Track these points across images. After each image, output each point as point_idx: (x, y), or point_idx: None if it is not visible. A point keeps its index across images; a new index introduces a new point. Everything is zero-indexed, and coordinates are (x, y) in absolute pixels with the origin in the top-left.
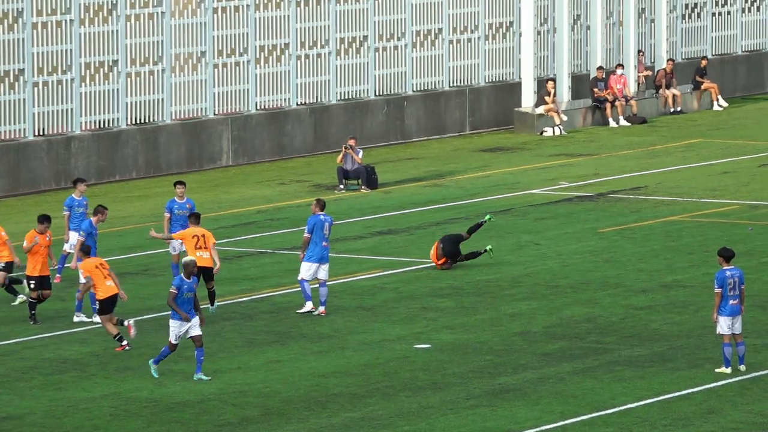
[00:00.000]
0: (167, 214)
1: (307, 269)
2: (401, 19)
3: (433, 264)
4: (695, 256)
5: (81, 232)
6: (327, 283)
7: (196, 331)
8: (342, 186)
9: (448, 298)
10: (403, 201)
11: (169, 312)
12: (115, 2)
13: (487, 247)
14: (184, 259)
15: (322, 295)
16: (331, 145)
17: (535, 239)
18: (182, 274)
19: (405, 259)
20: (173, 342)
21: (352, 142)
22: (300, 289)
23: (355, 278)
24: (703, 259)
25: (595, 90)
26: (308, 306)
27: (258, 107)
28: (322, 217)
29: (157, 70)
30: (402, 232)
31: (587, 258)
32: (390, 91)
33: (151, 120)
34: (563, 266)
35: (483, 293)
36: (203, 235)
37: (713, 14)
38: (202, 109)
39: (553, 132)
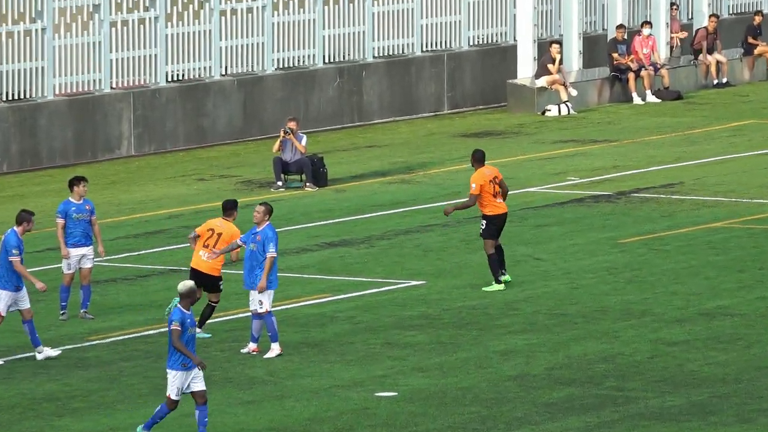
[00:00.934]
0: (61, 221)
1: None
2: None
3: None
4: (746, 275)
5: (13, 251)
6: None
7: (199, 385)
8: (280, 183)
9: (421, 330)
10: (361, 202)
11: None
12: None
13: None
14: (184, 285)
15: (254, 329)
16: (265, 128)
17: (535, 252)
18: (180, 305)
19: (364, 279)
20: (174, 398)
21: (292, 124)
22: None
23: (297, 304)
24: (756, 278)
25: (615, 55)
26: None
27: (169, 78)
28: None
29: (35, 30)
30: (360, 244)
31: (604, 278)
32: (344, 58)
33: (28, 96)
34: (572, 288)
35: (466, 324)
36: (220, 235)
37: None
38: (94, 81)
39: (559, 111)
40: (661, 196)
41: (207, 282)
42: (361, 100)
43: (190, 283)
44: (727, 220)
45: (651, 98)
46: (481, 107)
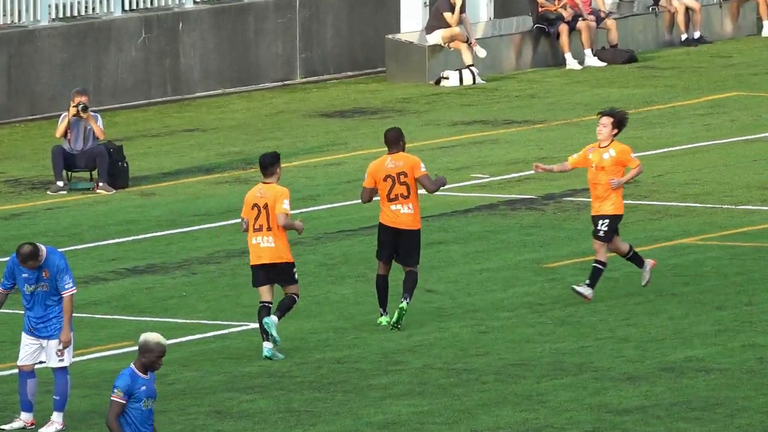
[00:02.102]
0: None
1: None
2: None
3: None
4: (728, 314)
5: None
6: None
7: None
8: (62, 183)
9: (263, 394)
10: (178, 210)
11: None
12: None
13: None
14: (144, 338)
15: (28, 392)
16: (38, 105)
17: (427, 281)
18: (134, 366)
19: (181, 321)
20: None
21: (82, 99)
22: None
23: (85, 356)
24: (742, 318)
25: (540, 1)
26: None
27: None
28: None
29: None
30: (175, 270)
31: (524, 317)
32: (151, 2)
33: None
34: (480, 333)
35: (328, 384)
36: (266, 207)
37: None
38: None
39: (460, 80)
40: (692, 204)
41: (277, 274)
42: (176, 64)
43: (154, 336)
44: (701, 235)
45: (592, 60)
46: (349, 74)
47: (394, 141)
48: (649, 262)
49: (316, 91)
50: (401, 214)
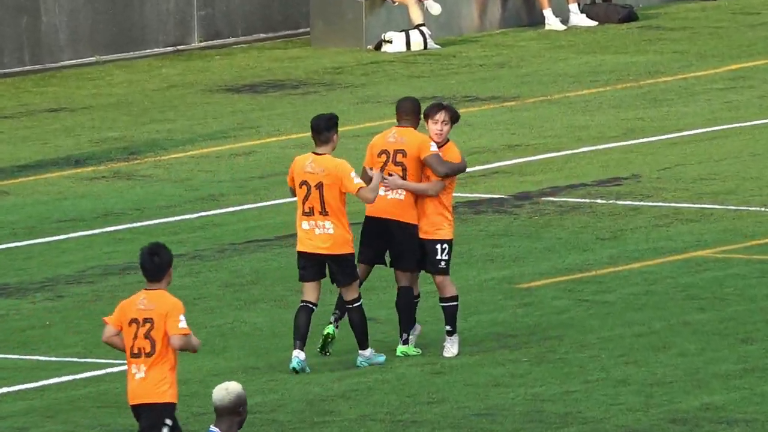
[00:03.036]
0: None
1: None
2: None
3: None
4: (756, 347)
5: None
6: None
7: None
8: None
9: None
10: (36, 215)
11: None
12: None
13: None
14: (236, 391)
15: None
16: None
17: (368, 305)
18: (215, 426)
19: (43, 359)
20: None
21: None
22: None
23: None
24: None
25: None
26: None
27: None
28: None
29: None
30: (35, 293)
31: (492, 353)
32: None
33: None
34: (434, 374)
35: None
36: (321, 185)
37: None
38: None
39: (407, 44)
40: (598, 201)
41: (331, 266)
42: (36, 24)
43: (237, 386)
44: (721, 246)
45: (579, 19)
46: (262, 37)
47: (408, 112)
48: (417, 328)
49: (219, 59)
50: (387, 199)
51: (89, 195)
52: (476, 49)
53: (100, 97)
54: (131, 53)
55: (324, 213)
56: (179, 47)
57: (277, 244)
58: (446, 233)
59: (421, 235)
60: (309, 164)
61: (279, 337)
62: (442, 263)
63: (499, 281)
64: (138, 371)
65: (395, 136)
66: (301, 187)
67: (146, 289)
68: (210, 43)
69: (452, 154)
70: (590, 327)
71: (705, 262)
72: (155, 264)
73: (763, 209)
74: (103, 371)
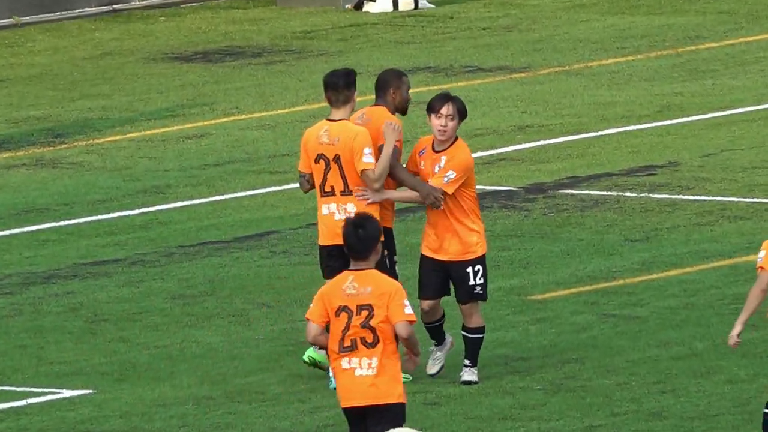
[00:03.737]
0: None
1: None
2: None
3: None
4: None
5: None
6: None
7: None
8: None
9: None
10: None
11: None
12: None
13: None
14: None
15: None
16: None
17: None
18: None
19: None
20: None
21: None
22: None
23: None
24: None
25: None
26: None
27: None
28: None
29: None
30: None
31: (498, 381)
32: None
33: None
34: (425, 406)
35: None
36: (336, 159)
37: None
38: None
39: (394, 2)
40: (627, 194)
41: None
42: None
43: None
44: None
45: None
46: None
47: (379, 86)
48: (449, 340)
49: (164, 21)
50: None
51: (6, 187)
52: (478, 9)
53: (19, 68)
54: (57, 14)
55: (346, 193)
56: (115, 6)
57: (236, 246)
58: (478, 249)
59: (442, 256)
60: (323, 133)
61: (238, 359)
62: (478, 288)
63: (507, 292)
64: (360, 367)
65: (363, 117)
66: (317, 163)
67: (351, 270)
68: (153, 1)
69: (459, 158)
70: (618, 348)
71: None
72: (360, 238)
73: None
74: (23, 402)
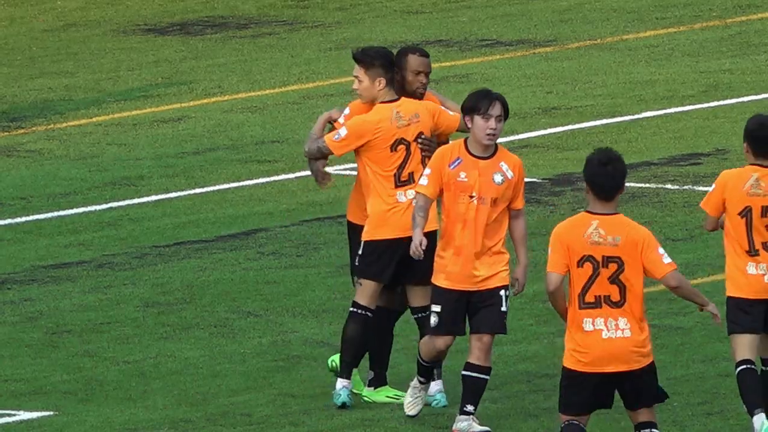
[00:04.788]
0: None
1: None
2: None
3: None
4: None
5: None
6: None
7: None
8: None
9: None
10: None
11: None
12: None
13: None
14: None
15: None
16: None
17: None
18: None
19: None
20: None
21: None
22: None
23: None
24: None
25: None
26: None
27: None
28: None
29: None
30: None
31: (519, 402)
32: None
33: None
34: (435, 430)
35: None
36: (411, 144)
37: None
38: None
39: None
40: (669, 186)
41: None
42: None
43: None
44: None
45: None
46: None
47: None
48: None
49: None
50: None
51: None
52: None
53: None
54: None
55: (413, 183)
56: None
57: (219, 247)
58: (507, 271)
59: (466, 285)
60: (396, 116)
61: (221, 377)
62: (505, 318)
63: (531, 299)
64: (609, 329)
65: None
66: (395, 151)
67: (593, 213)
68: None
69: (518, 163)
70: (658, 363)
71: None
72: (610, 175)
73: None
74: None
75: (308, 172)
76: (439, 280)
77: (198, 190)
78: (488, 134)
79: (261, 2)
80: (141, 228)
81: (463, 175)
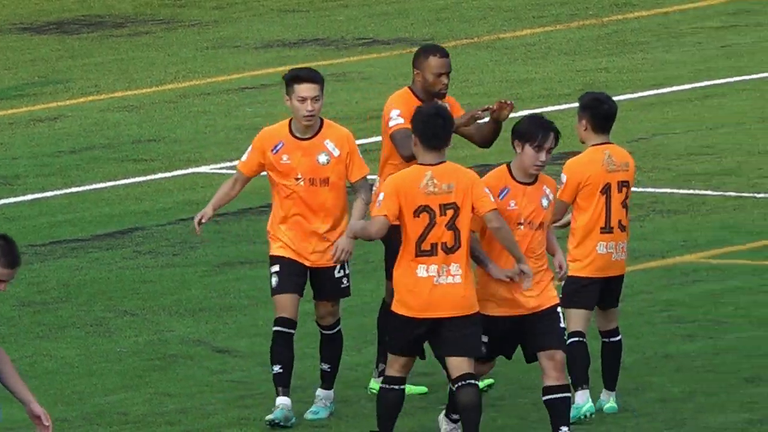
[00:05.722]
0: None
1: None
2: None
3: None
4: (765, 392)
5: None
6: None
7: None
8: None
9: None
10: None
11: None
12: None
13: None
14: None
15: None
16: None
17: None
18: None
19: None
20: None
21: None
22: None
23: None
24: None
25: None
26: None
27: None
28: None
29: None
30: None
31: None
32: None
33: None
34: None
35: None
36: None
37: None
38: None
39: None
40: (699, 191)
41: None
42: None
43: None
44: (716, 249)
45: None
46: None
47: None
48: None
49: None
50: None
51: None
52: None
53: None
54: None
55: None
56: None
57: (95, 246)
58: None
59: (519, 310)
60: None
61: (97, 376)
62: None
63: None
64: (440, 275)
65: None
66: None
67: (425, 164)
68: None
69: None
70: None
71: (694, 270)
72: (439, 126)
73: None
74: None
75: (186, 171)
76: (488, 308)
77: (74, 189)
78: (537, 166)
79: (137, 1)
80: (17, 227)
81: (512, 203)
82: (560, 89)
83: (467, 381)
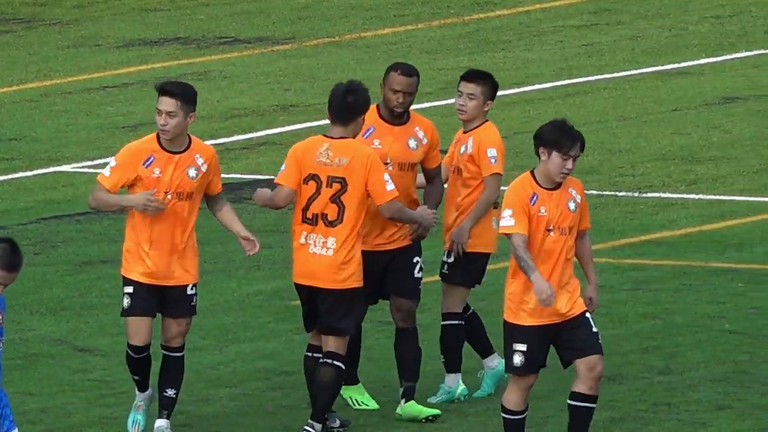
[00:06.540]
0: None
1: None
2: None
3: None
4: (626, 390)
5: None
6: None
7: None
8: None
9: None
10: None
11: None
12: None
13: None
14: None
15: None
16: None
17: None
18: None
19: None
20: None
21: None
22: None
23: None
24: None
25: None
26: None
27: None
28: None
29: None
30: None
31: None
32: None
33: None
34: None
35: None
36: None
37: None
38: None
39: None
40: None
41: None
42: None
43: None
44: None
45: None
46: None
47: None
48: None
49: None
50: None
51: None
52: None
53: None
54: None
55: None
56: None
57: None
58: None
59: (553, 318)
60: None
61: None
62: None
63: (269, 296)
64: (315, 245)
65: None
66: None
67: (328, 136)
68: None
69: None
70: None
71: None
72: (347, 104)
73: (636, 194)
74: None
75: (47, 169)
76: (521, 318)
77: None
78: (563, 173)
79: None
80: None
81: (543, 209)
82: (422, 88)
83: (329, 360)
